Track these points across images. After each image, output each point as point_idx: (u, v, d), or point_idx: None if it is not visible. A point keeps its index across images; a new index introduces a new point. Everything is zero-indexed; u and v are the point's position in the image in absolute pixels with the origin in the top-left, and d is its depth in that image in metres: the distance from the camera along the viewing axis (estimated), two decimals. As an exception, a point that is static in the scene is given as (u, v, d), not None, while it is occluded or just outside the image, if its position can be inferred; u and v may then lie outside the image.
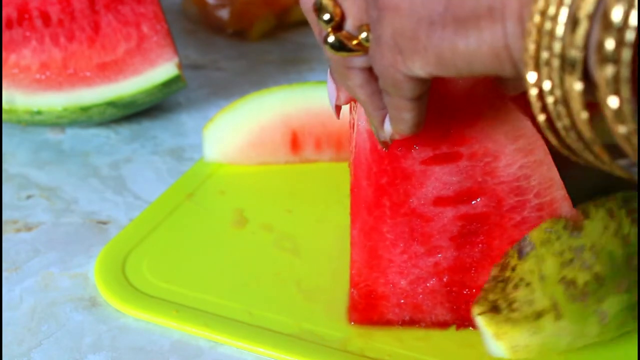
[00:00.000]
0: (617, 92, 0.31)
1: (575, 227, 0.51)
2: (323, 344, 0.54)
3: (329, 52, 0.44)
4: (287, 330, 0.55)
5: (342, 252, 0.58)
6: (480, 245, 0.54)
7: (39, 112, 0.74)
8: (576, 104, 0.33)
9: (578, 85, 0.32)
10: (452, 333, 0.55)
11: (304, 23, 1.00)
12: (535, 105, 0.35)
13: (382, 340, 0.54)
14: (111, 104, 0.74)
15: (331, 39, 0.43)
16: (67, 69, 0.74)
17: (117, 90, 0.74)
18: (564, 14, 0.32)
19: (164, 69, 0.75)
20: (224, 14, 0.97)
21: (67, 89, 0.74)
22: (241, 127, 0.71)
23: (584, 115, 0.33)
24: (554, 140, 0.36)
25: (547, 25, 0.32)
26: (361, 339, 0.54)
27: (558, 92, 0.33)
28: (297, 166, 0.72)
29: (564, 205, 0.53)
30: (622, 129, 0.32)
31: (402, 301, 0.55)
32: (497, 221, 0.53)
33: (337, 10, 0.42)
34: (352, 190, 0.54)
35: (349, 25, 0.43)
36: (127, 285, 0.58)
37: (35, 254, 0.63)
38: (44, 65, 0.74)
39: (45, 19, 0.74)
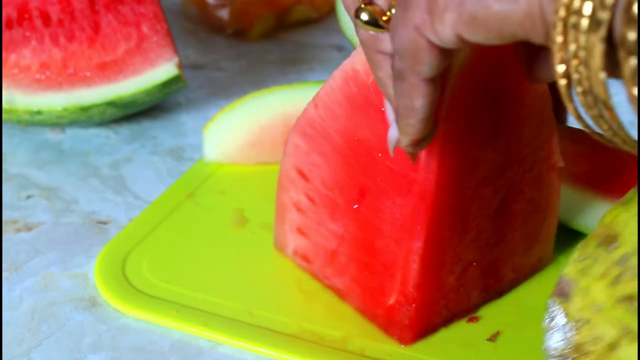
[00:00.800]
0: (638, 53, 0.32)
1: (609, 240, 0.46)
2: (323, 344, 0.54)
3: (360, 31, 0.44)
4: (287, 330, 0.55)
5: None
6: (505, 215, 0.53)
7: (39, 112, 0.74)
8: (596, 62, 0.34)
9: (600, 44, 0.34)
10: (452, 333, 0.55)
11: (304, 23, 1.00)
12: (558, 69, 0.36)
13: (382, 339, 0.54)
14: (111, 104, 0.74)
15: (364, 15, 0.43)
16: (67, 69, 0.74)
17: (117, 90, 0.74)
18: None
19: (163, 69, 0.75)
20: (224, 14, 0.97)
21: (67, 89, 0.74)
22: (241, 127, 0.71)
23: (602, 75, 0.34)
24: (572, 109, 0.37)
25: None
26: (361, 339, 0.54)
27: (582, 54, 0.35)
28: (297, 166, 0.72)
29: (557, 153, 0.54)
30: (636, 91, 0.33)
31: (448, 300, 0.53)
32: (517, 185, 0.53)
33: None
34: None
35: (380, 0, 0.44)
36: (127, 285, 0.58)
37: (35, 254, 0.63)
38: (44, 65, 0.74)
39: (45, 19, 0.74)
